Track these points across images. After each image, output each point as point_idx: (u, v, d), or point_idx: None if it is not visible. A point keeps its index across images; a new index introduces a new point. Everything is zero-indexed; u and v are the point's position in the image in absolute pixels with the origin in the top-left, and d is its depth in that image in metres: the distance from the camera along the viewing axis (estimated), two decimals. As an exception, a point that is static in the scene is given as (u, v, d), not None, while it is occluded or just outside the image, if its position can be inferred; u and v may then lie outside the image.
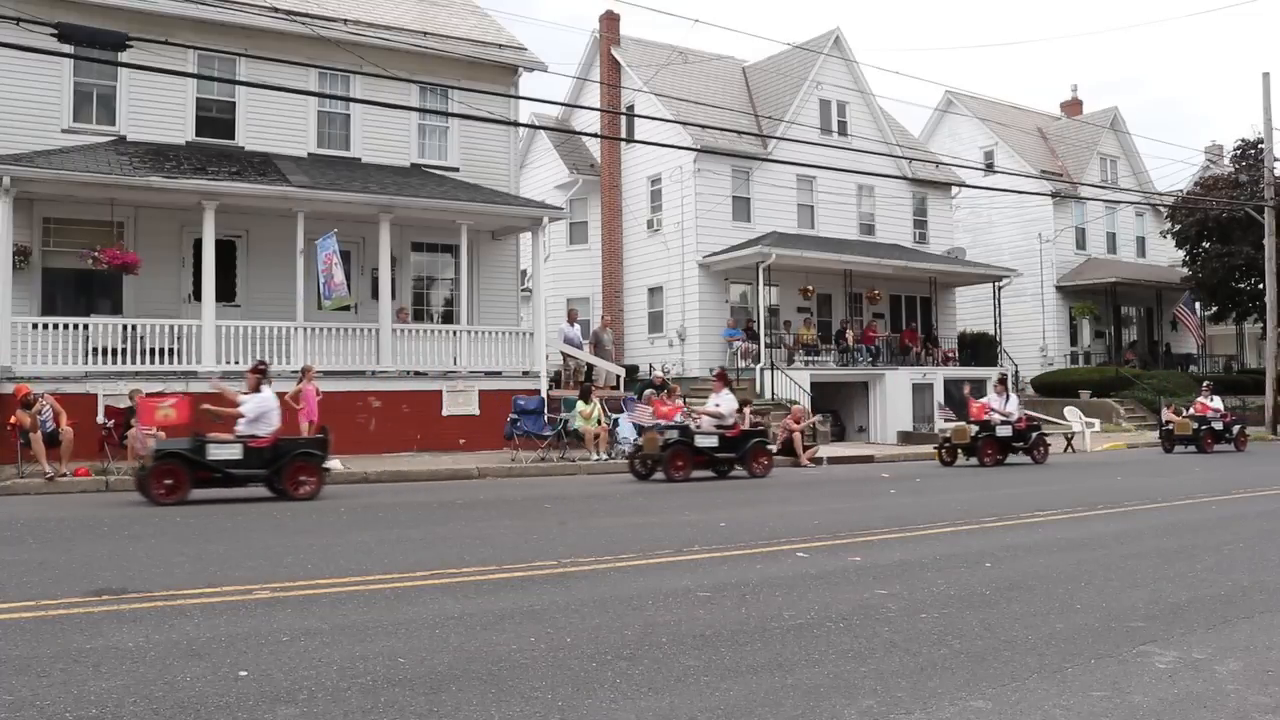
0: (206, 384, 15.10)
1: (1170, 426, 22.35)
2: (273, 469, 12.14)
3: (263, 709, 4.08)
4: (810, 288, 27.73)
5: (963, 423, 19.24)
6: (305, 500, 11.95)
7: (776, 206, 27.96)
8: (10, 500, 12.01)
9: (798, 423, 19.39)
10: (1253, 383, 33.54)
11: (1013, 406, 19.08)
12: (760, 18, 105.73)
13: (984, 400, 19.55)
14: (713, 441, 15.64)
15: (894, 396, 26.27)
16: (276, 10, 18.77)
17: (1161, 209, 36.33)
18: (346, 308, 19.09)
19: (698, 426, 15.82)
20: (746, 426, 16.49)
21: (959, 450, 18.49)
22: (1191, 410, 23.04)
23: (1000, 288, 30.95)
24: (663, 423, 15.95)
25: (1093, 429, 23.73)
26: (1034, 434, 18.95)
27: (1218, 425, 22.14)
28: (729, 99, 28.16)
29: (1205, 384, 24.80)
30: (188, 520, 10.10)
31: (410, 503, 12.01)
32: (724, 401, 16.13)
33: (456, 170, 21.49)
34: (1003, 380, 19.83)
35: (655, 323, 28.53)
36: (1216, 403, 22.94)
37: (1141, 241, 38.58)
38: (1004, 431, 18.60)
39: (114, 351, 16.42)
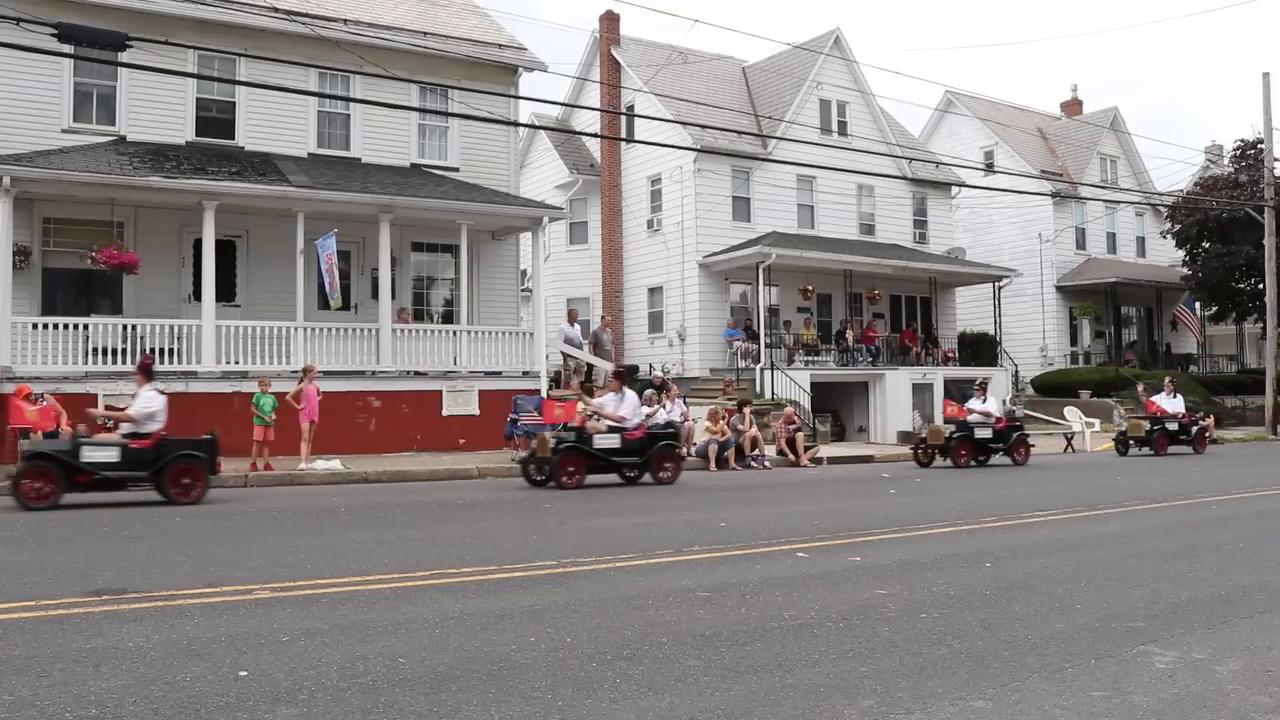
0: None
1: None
2: None
3: (263, 709, 4.08)
4: (810, 288, 27.72)
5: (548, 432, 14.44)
6: None
7: (776, 206, 27.96)
8: (10, 500, 12.01)
9: (790, 423, 19.42)
10: (1253, 382, 33.56)
11: (628, 410, 14.64)
12: (760, 18, 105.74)
13: (599, 401, 15.26)
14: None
15: (894, 396, 26.27)
16: (276, 10, 18.77)
17: (1161, 209, 36.33)
18: (344, 307, 19.11)
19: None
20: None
21: (540, 466, 13.88)
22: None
23: (1000, 288, 30.94)
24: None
25: (1093, 429, 23.73)
26: (659, 444, 14.59)
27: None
28: (729, 99, 28.15)
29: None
30: (188, 520, 10.11)
31: (410, 503, 12.01)
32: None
33: (456, 170, 21.49)
34: (619, 375, 15.68)
35: (655, 323, 28.53)
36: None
37: (1141, 241, 38.58)
38: (607, 442, 14.13)
39: (114, 351, 16.41)
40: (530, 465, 14.11)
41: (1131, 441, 21.01)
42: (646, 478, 14.53)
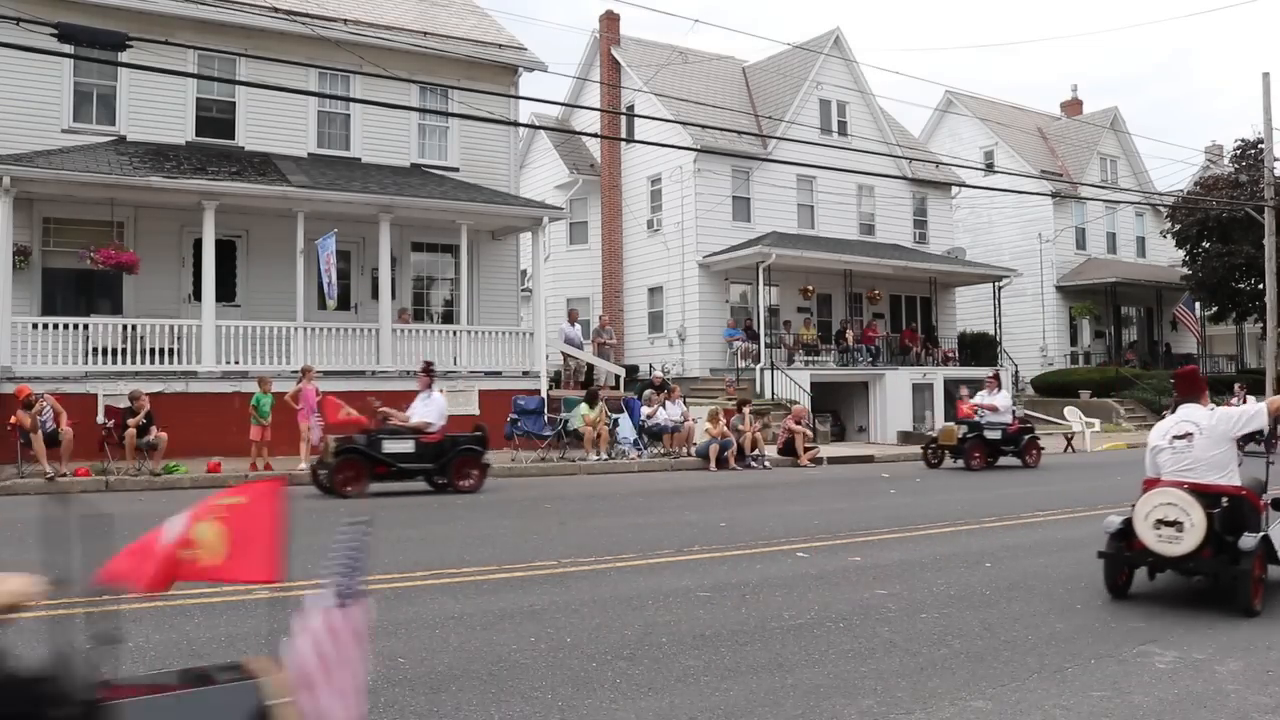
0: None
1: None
2: None
3: (263, 709, 4.08)
4: (810, 288, 27.72)
5: None
6: None
7: (776, 206, 27.95)
8: (10, 500, 12.01)
9: (798, 422, 19.37)
10: (1253, 383, 33.54)
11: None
12: (760, 18, 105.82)
13: None
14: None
15: (894, 396, 26.26)
16: (276, 10, 18.76)
17: (1161, 209, 36.31)
18: (344, 307, 19.12)
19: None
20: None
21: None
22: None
23: (1000, 288, 30.94)
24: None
25: (1093, 429, 23.71)
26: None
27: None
28: (729, 99, 28.14)
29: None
30: (188, 520, 10.10)
31: (410, 503, 12.01)
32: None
33: (456, 170, 21.48)
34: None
35: (655, 323, 28.52)
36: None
37: (1141, 241, 38.57)
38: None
39: (114, 351, 16.39)
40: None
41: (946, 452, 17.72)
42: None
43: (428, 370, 13.97)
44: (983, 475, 16.43)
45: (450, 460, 13.18)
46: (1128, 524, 6.31)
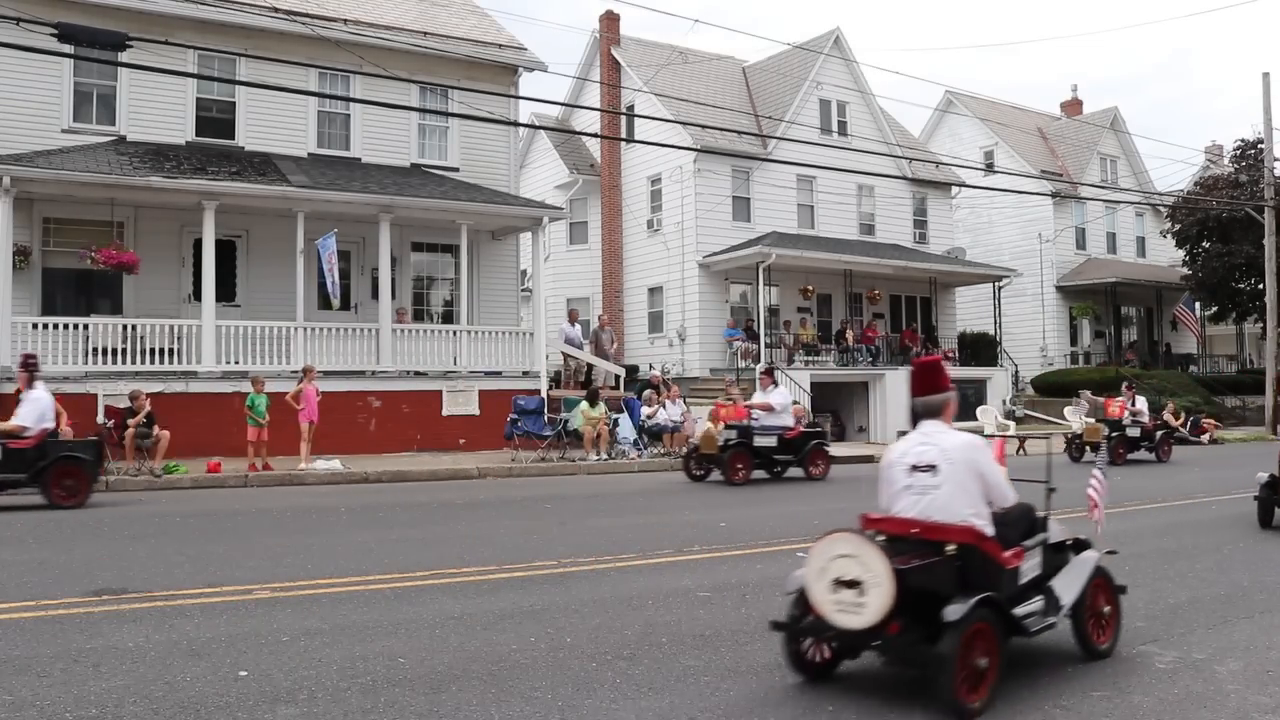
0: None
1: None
2: None
3: (263, 709, 4.09)
4: (810, 288, 27.72)
5: None
6: None
7: (776, 206, 27.95)
8: (10, 500, 12.00)
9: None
10: (1253, 382, 33.55)
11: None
12: (760, 18, 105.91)
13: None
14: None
15: (894, 396, 26.22)
16: (276, 10, 18.77)
17: (1161, 209, 36.32)
18: (344, 307, 19.14)
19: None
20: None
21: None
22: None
23: (1000, 288, 30.94)
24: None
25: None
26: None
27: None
28: (729, 99, 28.14)
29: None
30: (188, 520, 10.11)
31: (410, 503, 12.01)
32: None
33: (456, 170, 21.48)
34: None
35: (655, 323, 28.53)
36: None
37: (1141, 241, 38.57)
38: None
39: (114, 351, 16.40)
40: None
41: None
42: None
43: (27, 364, 11.76)
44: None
45: (47, 471, 11.04)
46: (1273, 478, 9.93)
